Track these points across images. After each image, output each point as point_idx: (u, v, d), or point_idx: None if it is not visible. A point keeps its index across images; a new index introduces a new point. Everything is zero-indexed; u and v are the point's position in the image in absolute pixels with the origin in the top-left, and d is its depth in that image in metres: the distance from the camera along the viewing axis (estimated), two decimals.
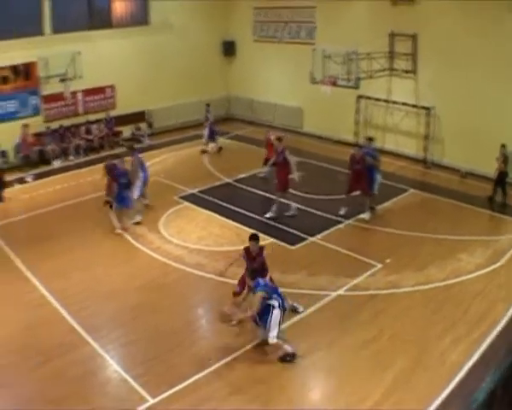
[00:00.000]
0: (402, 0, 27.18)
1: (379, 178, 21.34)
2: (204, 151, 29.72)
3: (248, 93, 36.40)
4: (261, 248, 14.75)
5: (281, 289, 13.69)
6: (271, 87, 35.00)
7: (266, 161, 24.34)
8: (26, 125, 27.51)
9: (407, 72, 27.39)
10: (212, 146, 30.04)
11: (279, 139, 21.94)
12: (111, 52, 31.64)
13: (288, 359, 13.06)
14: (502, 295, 15.68)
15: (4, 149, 24.58)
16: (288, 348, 13.10)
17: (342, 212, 21.21)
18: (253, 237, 14.63)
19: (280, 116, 34.35)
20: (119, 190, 20.24)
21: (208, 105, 30.83)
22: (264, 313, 13.03)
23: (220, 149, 30.11)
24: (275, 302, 13.04)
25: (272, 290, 13.22)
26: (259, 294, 13.02)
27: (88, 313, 15.19)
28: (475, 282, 16.44)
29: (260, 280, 13.47)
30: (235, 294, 14.94)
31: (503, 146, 22.61)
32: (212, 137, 30.06)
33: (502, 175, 22.52)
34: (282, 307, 13.15)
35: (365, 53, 25.75)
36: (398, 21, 27.27)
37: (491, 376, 4.69)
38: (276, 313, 13.02)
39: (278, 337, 13.06)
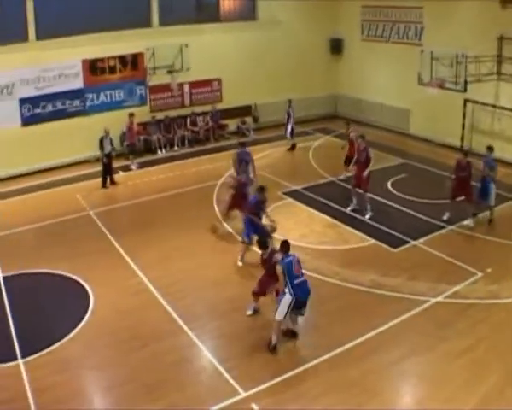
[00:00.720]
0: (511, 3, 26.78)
1: (494, 188, 20.66)
2: (292, 148, 30.19)
3: (355, 92, 36.44)
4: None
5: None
6: (378, 87, 34.93)
7: (347, 159, 24.68)
8: (131, 115, 28.27)
9: None
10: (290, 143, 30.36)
11: (362, 137, 22.02)
12: (218, 46, 32.32)
13: (270, 348, 13.66)
14: None
15: (111, 136, 25.53)
16: (274, 339, 13.64)
17: (446, 217, 21.09)
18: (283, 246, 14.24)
19: (386, 117, 34.26)
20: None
21: (290, 101, 31.04)
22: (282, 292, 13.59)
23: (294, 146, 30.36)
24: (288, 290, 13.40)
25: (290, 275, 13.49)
26: (279, 268, 13.50)
27: (186, 303, 15.84)
28: None
29: (290, 256, 13.84)
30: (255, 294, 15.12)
31: None
32: (291, 133, 30.37)
33: None
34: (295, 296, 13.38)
35: (473, 56, 25.51)
36: (507, 24, 26.75)
37: None
38: (287, 298, 13.38)
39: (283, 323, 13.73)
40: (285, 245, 14.02)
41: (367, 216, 21.51)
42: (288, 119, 30.44)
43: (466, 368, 12.97)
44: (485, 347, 13.75)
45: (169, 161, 29.15)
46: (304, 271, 15.25)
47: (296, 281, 13.55)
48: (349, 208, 22.11)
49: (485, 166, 20.72)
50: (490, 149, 21.00)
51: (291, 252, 14.00)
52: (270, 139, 31.88)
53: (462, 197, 20.86)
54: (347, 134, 25.90)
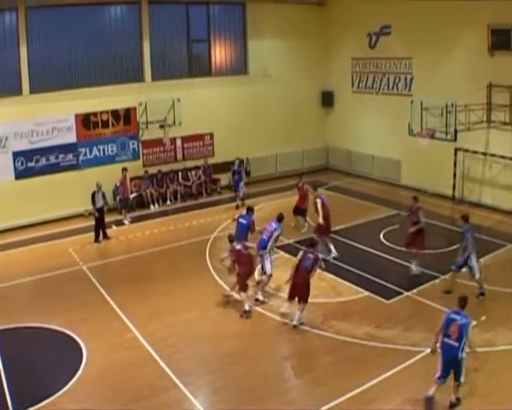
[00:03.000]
0: (500, 50, 27.07)
1: (475, 261, 18.93)
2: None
3: (346, 144, 36.65)
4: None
5: None
6: (369, 138, 35.17)
7: (297, 209, 25.63)
8: (124, 169, 28.36)
9: (505, 123, 27.07)
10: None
11: (415, 199, 21.51)
12: (210, 100, 32.65)
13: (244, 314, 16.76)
14: None
15: (104, 191, 25.60)
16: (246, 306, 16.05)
17: (415, 271, 20.96)
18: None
19: (378, 168, 34.48)
20: None
21: (240, 160, 31.43)
22: None
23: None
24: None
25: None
26: None
27: (179, 357, 15.71)
28: None
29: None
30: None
31: None
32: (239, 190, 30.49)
33: None
34: None
35: (463, 105, 25.73)
36: (495, 72, 27.11)
37: None
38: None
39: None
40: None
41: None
42: (238, 176, 30.52)
43: None
44: (481, 395, 13.64)
45: (162, 216, 29.19)
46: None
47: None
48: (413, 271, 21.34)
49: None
50: (464, 218, 19.43)
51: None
52: (263, 193, 31.89)
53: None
54: (299, 186, 26.46)
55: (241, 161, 32.17)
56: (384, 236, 24.74)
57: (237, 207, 29.27)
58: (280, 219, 19.86)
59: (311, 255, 17.23)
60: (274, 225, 19.58)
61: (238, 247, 18.40)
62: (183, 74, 32.48)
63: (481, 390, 13.84)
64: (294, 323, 16.88)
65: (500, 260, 22.01)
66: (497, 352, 15.55)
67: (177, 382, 14.54)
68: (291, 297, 17.23)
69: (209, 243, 24.57)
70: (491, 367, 14.82)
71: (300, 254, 17.43)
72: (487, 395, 13.62)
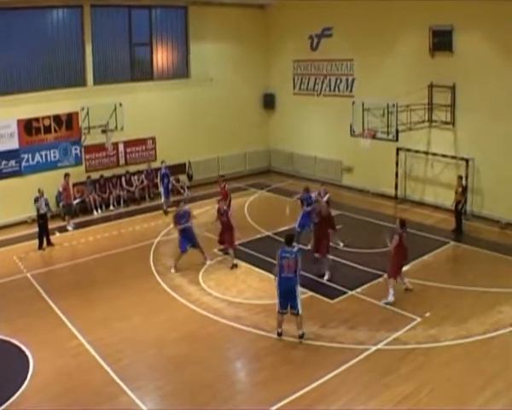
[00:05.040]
0: (440, 51, 27.35)
1: None
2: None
3: (288, 146, 36.66)
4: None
5: None
6: (311, 140, 35.22)
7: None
8: (67, 175, 27.80)
9: (446, 123, 27.39)
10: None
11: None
12: (152, 104, 32.29)
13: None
14: None
15: (46, 197, 25.10)
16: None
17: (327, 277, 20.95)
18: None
19: (320, 169, 34.46)
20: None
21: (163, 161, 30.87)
22: None
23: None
24: None
25: None
26: None
27: (126, 363, 15.34)
28: None
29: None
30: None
31: (461, 177, 25.18)
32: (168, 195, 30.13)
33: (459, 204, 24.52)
34: None
35: (404, 105, 25.83)
36: (436, 73, 27.43)
37: None
38: None
39: None
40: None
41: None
42: (166, 180, 30.07)
43: None
44: (428, 391, 13.62)
45: (105, 221, 28.64)
46: (242, 326, 15.29)
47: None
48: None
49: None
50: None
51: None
52: (205, 197, 31.59)
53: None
54: (221, 187, 26.35)
55: (150, 170, 32.18)
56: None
57: (166, 213, 28.93)
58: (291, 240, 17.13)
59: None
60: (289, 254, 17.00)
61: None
62: (126, 78, 32.01)
63: (427, 386, 13.84)
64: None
65: (442, 257, 22.25)
66: (442, 347, 15.60)
67: (126, 388, 14.17)
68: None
69: (153, 248, 24.25)
70: (437, 363, 14.88)
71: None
72: (434, 390, 13.64)
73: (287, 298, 15.87)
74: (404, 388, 13.74)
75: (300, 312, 15.88)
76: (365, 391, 13.75)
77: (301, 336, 16.03)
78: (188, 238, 21.70)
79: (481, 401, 13.16)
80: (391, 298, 18.43)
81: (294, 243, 16.88)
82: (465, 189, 25.22)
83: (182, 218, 21.67)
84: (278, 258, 15.89)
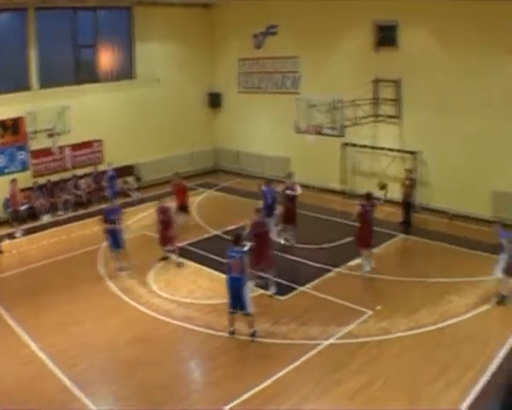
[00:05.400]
0: (385, 46, 27.54)
1: None
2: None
3: (235, 145, 36.52)
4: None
5: None
6: (258, 138, 35.17)
7: (180, 208, 25.53)
8: (14, 180, 27.29)
9: (392, 117, 27.59)
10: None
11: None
12: (98, 106, 31.83)
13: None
14: (494, 337, 15.57)
15: None
16: None
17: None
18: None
19: (267, 167, 34.34)
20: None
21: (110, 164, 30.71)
22: None
23: None
24: None
25: None
26: None
27: (79, 369, 14.98)
28: (467, 324, 16.38)
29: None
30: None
31: (409, 171, 25.59)
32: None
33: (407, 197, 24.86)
34: None
35: (350, 100, 25.85)
36: (381, 68, 27.59)
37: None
38: None
39: None
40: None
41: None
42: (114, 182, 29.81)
43: (365, 406, 12.86)
44: (381, 383, 13.65)
45: (54, 226, 28.01)
46: (193, 326, 15.53)
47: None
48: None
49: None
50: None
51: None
52: (154, 198, 31.16)
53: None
54: (176, 184, 26.40)
55: (97, 173, 31.66)
56: (277, 232, 24.45)
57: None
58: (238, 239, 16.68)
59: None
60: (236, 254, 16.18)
61: None
62: (71, 81, 31.43)
63: (380, 378, 13.86)
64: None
65: (392, 249, 22.36)
66: (394, 339, 15.65)
67: (79, 394, 13.85)
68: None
69: (102, 252, 23.75)
70: (389, 355, 14.93)
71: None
72: (386, 382, 13.67)
73: (234, 298, 15.82)
74: (356, 381, 13.73)
75: (249, 311, 15.82)
76: (318, 386, 13.70)
77: (253, 335, 15.94)
78: (114, 239, 21.48)
79: (434, 390, 13.22)
80: (367, 268, 19.47)
81: (244, 243, 16.58)
82: (413, 182, 25.36)
83: (111, 214, 21.44)
84: (226, 257, 15.94)
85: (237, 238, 16.24)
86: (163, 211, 21.96)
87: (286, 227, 23.07)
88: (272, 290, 18.82)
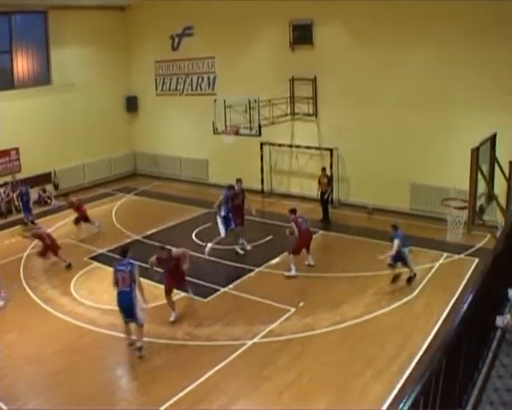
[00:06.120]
0: (301, 44, 27.72)
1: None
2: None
3: (153, 148, 36.17)
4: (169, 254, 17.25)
5: None
6: (176, 140, 34.95)
7: (77, 220, 25.36)
8: None
9: (309, 115, 27.82)
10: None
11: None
12: (14, 113, 30.87)
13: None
14: (418, 326, 15.89)
15: None
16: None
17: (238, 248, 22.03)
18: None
19: (186, 169, 34.39)
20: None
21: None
22: None
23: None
24: None
25: None
26: None
27: (5, 383, 14.51)
28: (391, 315, 16.66)
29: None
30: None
31: (324, 169, 25.73)
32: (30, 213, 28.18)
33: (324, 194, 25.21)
34: None
35: (266, 100, 25.93)
36: (297, 66, 27.81)
37: (413, 389, 4.74)
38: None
39: None
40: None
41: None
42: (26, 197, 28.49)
43: (293, 402, 12.89)
44: (308, 378, 13.75)
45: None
46: (117, 333, 15.71)
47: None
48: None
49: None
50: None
51: None
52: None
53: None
54: (70, 202, 26.09)
55: (16, 182, 30.76)
56: (196, 235, 24.55)
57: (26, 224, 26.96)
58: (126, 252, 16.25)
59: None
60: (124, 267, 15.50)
61: None
62: None
63: (307, 373, 13.95)
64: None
65: (313, 246, 22.27)
66: (318, 335, 15.75)
67: (6, 409, 13.41)
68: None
69: (22, 262, 23.12)
70: (314, 350, 15.01)
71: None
72: (314, 377, 13.78)
73: (125, 312, 15.24)
74: (284, 378, 13.77)
75: (142, 323, 15.32)
76: (247, 384, 13.72)
77: (139, 349, 15.28)
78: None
79: (362, 383, 13.35)
80: (293, 272, 19.54)
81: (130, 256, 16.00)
82: (330, 179, 25.61)
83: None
84: (113, 272, 15.39)
85: (125, 251, 15.93)
86: (39, 237, 22.03)
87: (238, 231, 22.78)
88: (191, 293, 18.37)
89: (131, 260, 15.41)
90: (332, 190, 25.96)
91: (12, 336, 16.99)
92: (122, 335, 16.15)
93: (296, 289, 18.83)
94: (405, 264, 18.74)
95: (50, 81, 33.58)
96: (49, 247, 21.96)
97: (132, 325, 15.35)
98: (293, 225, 19.91)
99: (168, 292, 17.35)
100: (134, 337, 15.50)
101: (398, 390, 12.81)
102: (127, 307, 15.03)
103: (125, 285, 14.95)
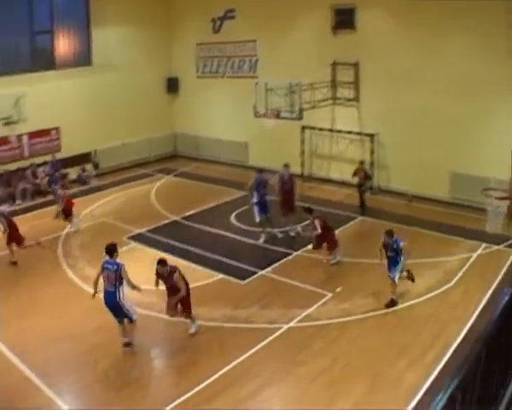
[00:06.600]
0: (342, 29, 27.54)
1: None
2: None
3: (193, 130, 36.26)
4: (171, 271, 15.18)
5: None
6: (216, 123, 35.00)
7: (64, 212, 24.33)
8: None
9: (350, 100, 27.65)
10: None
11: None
12: (55, 94, 31.22)
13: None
14: (454, 316, 15.75)
15: None
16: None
17: (261, 240, 21.72)
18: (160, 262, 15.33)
19: (225, 151, 34.45)
20: None
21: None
22: None
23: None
24: None
25: None
26: None
27: (41, 359, 14.69)
28: (427, 304, 16.54)
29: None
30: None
31: (362, 162, 25.36)
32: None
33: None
34: None
35: (308, 83, 25.85)
36: (339, 50, 27.67)
37: (449, 383, 4.66)
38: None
39: None
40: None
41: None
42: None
43: (327, 388, 12.86)
44: (343, 364, 13.73)
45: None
46: (153, 313, 15.86)
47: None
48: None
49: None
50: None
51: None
52: (113, 184, 31.02)
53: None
54: (61, 196, 25.04)
55: (55, 161, 31.21)
56: (235, 217, 24.57)
57: (57, 215, 25.60)
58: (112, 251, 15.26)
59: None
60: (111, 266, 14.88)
61: None
62: (27, 68, 30.69)
63: (342, 359, 13.93)
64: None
65: (352, 231, 22.37)
66: (354, 321, 15.73)
67: (41, 385, 13.60)
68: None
69: (61, 240, 23.43)
70: (350, 336, 15.01)
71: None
72: (349, 363, 13.75)
73: (114, 311, 14.85)
74: (318, 363, 13.76)
75: (134, 318, 14.89)
76: (281, 370, 13.70)
77: (128, 345, 14.94)
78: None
79: (396, 371, 13.29)
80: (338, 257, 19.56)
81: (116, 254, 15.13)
82: (368, 174, 25.31)
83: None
84: (100, 268, 14.83)
85: (111, 251, 14.99)
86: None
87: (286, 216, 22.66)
88: (193, 330, 15.78)
89: (118, 260, 14.82)
90: (370, 186, 25.89)
91: (49, 313, 17.20)
92: (158, 314, 16.32)
93: (333, 275, 18.82)
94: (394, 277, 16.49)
95: (91, 61, 33.77)
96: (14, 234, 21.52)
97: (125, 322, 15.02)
98: (316, 222, 19.52)
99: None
100: (124, 339, 15.13)
101: (434, 380, 12.76)
102: (113, 306, 14.70)
103: (110, 284, 14.55)
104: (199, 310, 16.30)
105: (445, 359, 13.67)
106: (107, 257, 14.85)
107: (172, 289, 15.13)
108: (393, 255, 16.49)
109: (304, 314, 16.18)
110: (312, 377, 13.23)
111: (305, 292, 17.59)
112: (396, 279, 16.35)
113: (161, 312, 16.29)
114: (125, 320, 14.85)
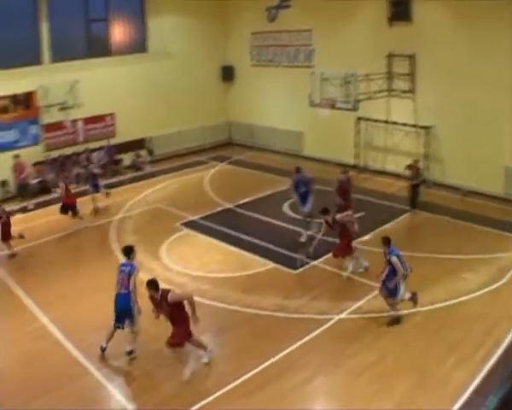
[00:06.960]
0: (399, 20, 27.32)
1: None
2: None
3: (248, 118, 36.49)
4: (163, 295, 13.18)
5: None
6: (271, 111, 35.10)
7: (66, 206, 23.93)
8: (16, 156, 27.62)
9: (406, 92, 27.40)
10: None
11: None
12: (110, 80, 31.71)
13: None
14: (506, 314, 15.55)
15: (6, 178, 24.58)
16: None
17: (303, 239, 21.27)
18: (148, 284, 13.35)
19: (280, 140, 34.48)
20: None
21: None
22: None
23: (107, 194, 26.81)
24: None
25: None
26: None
27: (90, 342, 14.92)
28: (479, 301, 16.33)
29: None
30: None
31: (415, 161, 24.41)
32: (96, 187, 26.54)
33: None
34: None
35: (363, 74, 25.82)
36: (395, 42, 27.41)
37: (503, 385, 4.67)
38: None
39: None
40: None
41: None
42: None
43: (374, 382, 12.85)
44: (391, 358, 13.70)
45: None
46: (205, 300, 15.77)
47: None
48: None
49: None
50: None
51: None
52: (166, 171, 31.32)
53: None
54: (66, 186, 24.60)
55: (110, 147, 31.78)
56: (289, 207, 24.58)
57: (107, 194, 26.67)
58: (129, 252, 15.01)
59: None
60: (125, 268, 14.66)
61: None
62: (83, 55, 31.32)
63: (391, 354, 13.93)
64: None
65: (405, 224, 22.28)
66: (405, 315, 15.56)
67: (91, 368, 13.94)
68: None
69: (114, 225, 23.85)
70: (400, 331, 14.96)
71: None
72: (397, 358, 13.72)
73: (122, 315, 14.40)
74: (367, 356, 13.77)
75: (135, 330, 14.53)
76: (330, 361, 13.74)
77: (130, 353, 14.36)
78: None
79: (444, 368, 13.20)
80: (351, 268, 18.39)
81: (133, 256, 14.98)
82: (419, 171, 24.40)
83: None
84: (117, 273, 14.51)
85: (127, 251, 14.83)
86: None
87: None
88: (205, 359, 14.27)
89: (134, 263, 14.69)
90: (423, 181, 25.30)
91: (99, 297, 17.26)
92: (209, 301, 16.63)
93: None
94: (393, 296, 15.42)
95: (146, 49, 34.34)
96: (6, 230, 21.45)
97: (126, 329, 14.54)
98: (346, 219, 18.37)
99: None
100: (106, 345, 14.61)
101: (483, 379, 12.66)
102: (123, 310, 14.32)
103: (123, 287, 14.30)
104: (250, 298, 16.58)
105: (495, 357, 13.51)
106: (124, 259, 14.76)
107: (173, 314, 13.34)
108: (390, 267, 15.25)
109: (355, 307, 16.16)
110: (360, 370, 13.23)
111: (356, 284, 17.61)
112: (397, 299, 15.39)
113: (213, 299, 16.62)
114: (127, 328, 14.55)
